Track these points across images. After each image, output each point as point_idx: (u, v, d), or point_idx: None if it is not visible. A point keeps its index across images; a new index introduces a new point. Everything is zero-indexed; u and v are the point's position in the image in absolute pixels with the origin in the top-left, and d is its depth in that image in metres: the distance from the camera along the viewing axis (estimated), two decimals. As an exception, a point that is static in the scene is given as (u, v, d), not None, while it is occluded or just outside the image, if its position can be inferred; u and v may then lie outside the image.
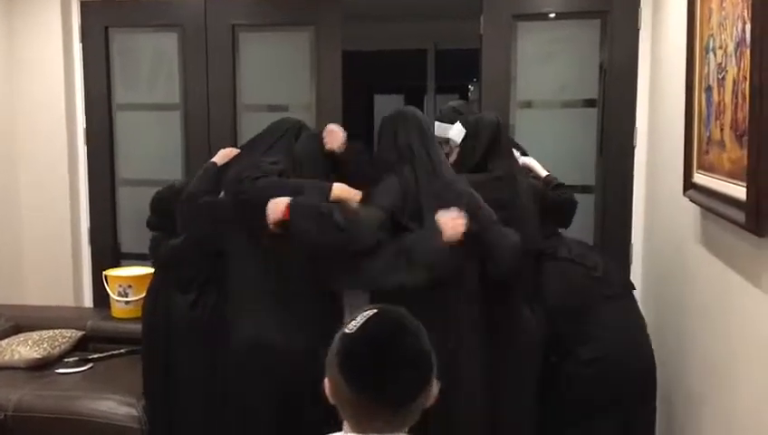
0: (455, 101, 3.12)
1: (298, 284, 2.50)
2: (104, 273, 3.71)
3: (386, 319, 1.26)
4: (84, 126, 4.04)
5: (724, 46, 1.87)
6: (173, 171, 4.01)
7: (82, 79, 4.01)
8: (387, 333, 1.23)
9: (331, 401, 1.25)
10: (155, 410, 2.88)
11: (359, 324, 1.24)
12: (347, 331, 1.23)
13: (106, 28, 4.00)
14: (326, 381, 1.25)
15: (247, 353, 2.47)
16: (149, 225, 3.04)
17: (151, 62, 4.08)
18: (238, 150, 2.90)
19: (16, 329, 3.56)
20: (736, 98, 1.74)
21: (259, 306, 2.51)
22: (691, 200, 2.22)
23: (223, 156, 2.87)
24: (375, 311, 1.27)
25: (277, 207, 2.37)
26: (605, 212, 3.59)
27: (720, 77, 1.90)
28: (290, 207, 2.36)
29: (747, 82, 1.62)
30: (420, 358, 1.24)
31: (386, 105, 7.69)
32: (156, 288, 2.89)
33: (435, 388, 1.26)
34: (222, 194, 2.70)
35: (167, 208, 2.89)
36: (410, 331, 1.25)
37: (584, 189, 3.61)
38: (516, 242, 2.36)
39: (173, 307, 2.75)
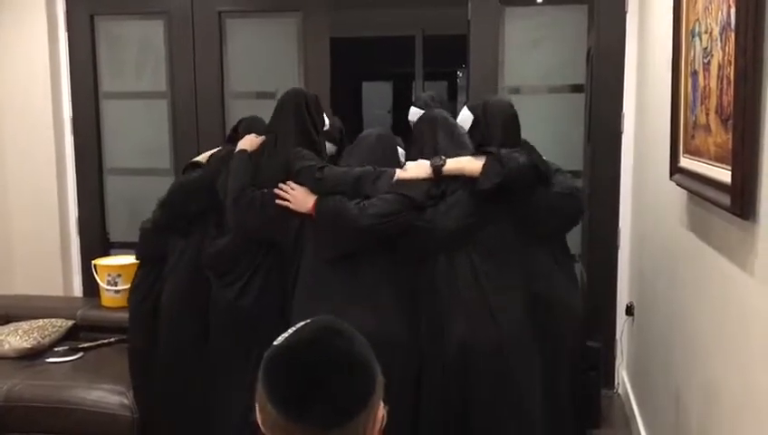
0: (431, 91, 3.17)
1: (376, 271, 2.44)
2: (93, 262, 3.70)
3: (314, 323, 1.08)
4: (71, 115, 4.02)
5: (709, 30, 1.88)
6: (161, 160, 3.99)
7: (68, 68, 3.99)
8: (311, 336, 1.06)
9: (264, 431, 1.04)
10: (160, 398, 2.84)
11: (286, 335, 1.07)
12: (274, 343, 1.06)
13: (91, 16, 3.97)
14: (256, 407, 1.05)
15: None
16: (163, 223, 2.83)
17: (138, 50, 4.06)
18: (263, 137, 2.72)
19: (5, 319, 3.55)
20: (721, 82, 1.75)
21: (344, 299, 2.34)
22: (677, 184, 2.23)
23: (250, 143, 2.71)
24: (308, 320, 1.10)
25: (306, 203, 2.44)
26: (593, 197, 3.61)
27: (705, 61, 1.91)
28: (316, 206, 2.42)
29: (732, 67, 1.63)
30: (355, 365, 1.03)
31: (374, 92, 7.68)
32: (151, 282, 2.85)
33: (380, 411, 1.05)
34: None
35: (186, 203, 2.78)
36: (341, 333, 1.06)
37: (572, 174, 3.62)
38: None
39: (215, 300, 2.66)
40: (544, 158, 2.75)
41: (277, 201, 2.48)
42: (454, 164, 2.43)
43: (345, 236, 2.41)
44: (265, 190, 2.53)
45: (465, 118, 2.75)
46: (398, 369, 2.24)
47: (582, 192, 2.68)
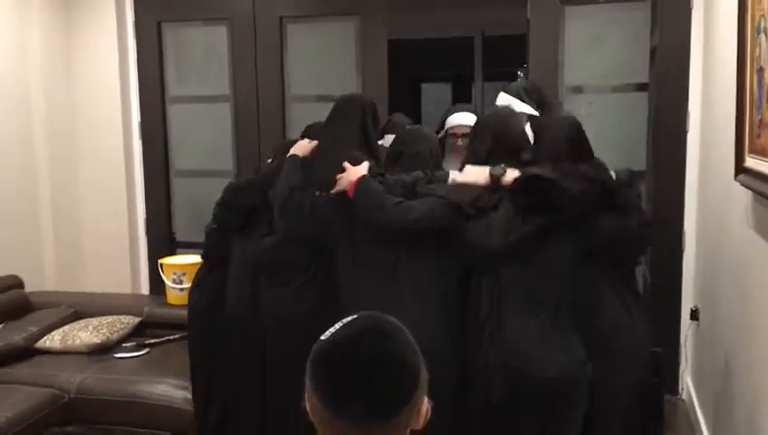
0: (520, 82, 3.01)
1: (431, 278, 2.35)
2: (159, 261, 3.82)
3: (361, 319, 1.11)
4: (139, 119, 4.16)
5: (775, 26, 1.82)
6: (224, 162, 4.10)
7: (137, 73, 4.13)
8: (357, 332, 1.08)
9: (311, 418, 1.08)
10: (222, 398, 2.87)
11: (333, 330, 1.10)
12: (321, 337, 1.10)
13: (159, 23, 4.11)
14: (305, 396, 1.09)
15: None
16: (219, 220, 2.90)
17: (202, 55, 4.18)
18: (316, 142, 2.72)
19: (76, 316, 3.69)
20: (788, 79, 1.70)
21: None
22: (742, 185, 2.17)
23: (303, 148, 2.70)
24: (355, 316, 1.12)
25: (350, 177, 2.39)
26: (657, 198, 3.52)
27: (772, 58, 1.86)
28: (357, 185, 2.36)
29: (799, 63, 1.58)
30: (398, 362, 1.06)
31: (433, 93, 7.66)
32: (212, 281, 2.90)
33: (424, 406, 1.09)
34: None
35: (240, 204, 2.82)
36: (386, 330, 1.09)
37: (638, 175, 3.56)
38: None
39: (268, 302, 2.68)
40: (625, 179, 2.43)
41: (333, 191, 2.45)
42: (515, 175, 2.25)
43: (380, 228, 2.34)
44: (316, 193, 2.52)
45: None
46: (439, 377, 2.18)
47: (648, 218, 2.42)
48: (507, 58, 5.69)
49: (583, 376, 2.18)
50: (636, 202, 2.38)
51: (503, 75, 5.87)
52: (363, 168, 2.42)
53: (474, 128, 2.55)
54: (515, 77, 6.84)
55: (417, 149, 2.50)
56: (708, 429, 2.96)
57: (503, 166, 2.29)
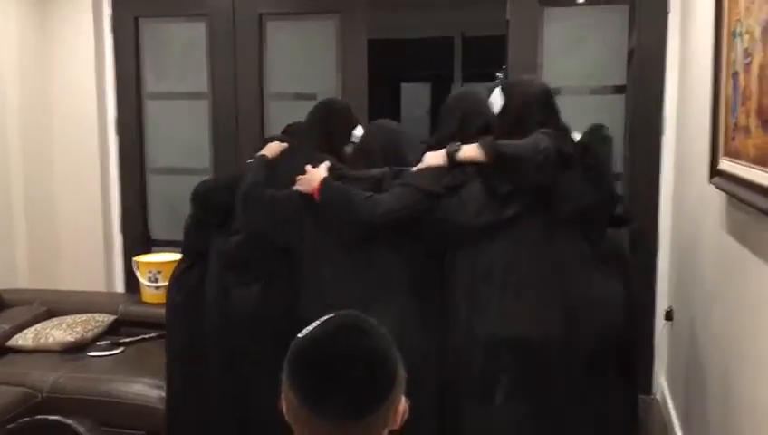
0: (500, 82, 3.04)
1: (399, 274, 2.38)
2: (134, 259, 3.79)
3: (339, 317, 1.11)
4: (115, 115, 4.11)
5: (750, 31, 1.84)
6: (201, 160, 4.07)
7: (113, 68, 4.09)
8: (335, 330, 1.09)
9: (287, 418, 1.08)
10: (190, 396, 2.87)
11: (311, 327, 1.10)
12: (299, 335, 1.10)
13: (136, 18, 4.07)
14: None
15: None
16: (196, 219, 2.89)
17: (180, 51, 4.14)
18: (286, 144, 2.76)
19: (49, 313, 3.64)
20: (762, 83, 1.71)
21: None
22: (717, 187, 2.19)
23: (272, 150, 2.73)
24: (333, 314, 1.13)
25: (312, 181, 2.40)
26: (633, 199, 3.56)
27: (746, 62, 1.88)
28: (321, 188, 2.38)
29: (773, 67, 1.60)
30: (375, 360, 1.06)
31: (412, 93, 7.66)
32: (191, 276, 2.88)
33: (402, 405, 1.09)
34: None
35: (214, 202, 2.81)
36: (364, 330, 1.09)
37: (612, 177, 3.58)
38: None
39: (235, 301, 2.66)
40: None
41: (294, 187, 2.47)
42: (469, 152, 2.31)
43: (351, 227, 2.36)
44: (276, 190, 2.53)
45: (495, 100, 2.54)
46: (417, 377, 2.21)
47: (615, 179, 2.42)
48: (487, 59, 5.71)
49: (562, 337, 2.26)
50: (607, 165, 2.44)
51: (482, 76, 5.90)
52: (323, 168, 2.43)
53: (440, 111, 2.62)
54: (494, 78, 6.87)
55: (380, 144, 2.55)
56: (682, 429, 2.99)
57: (457, 143, 2.35)
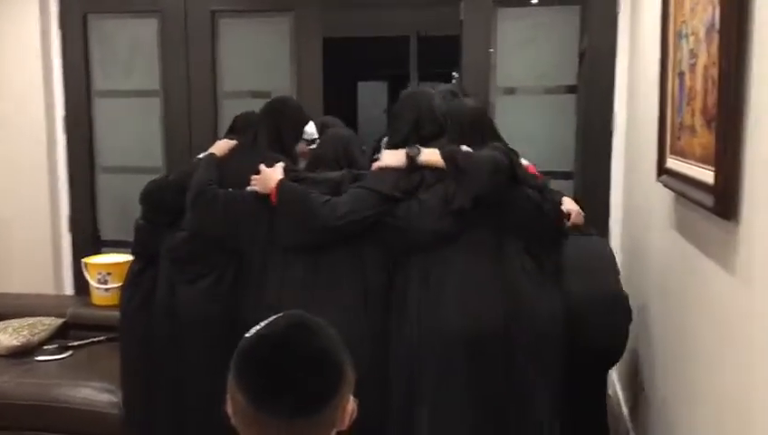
0: (448, 85, 3.08)
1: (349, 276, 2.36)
2: (83, 260, 3.69)
3: (286, 317, 1.12)
4: (63, 113, 4.02)
5: (695, 32, 1.88)
6: (153, 159, 3.99)
7: (61, 66, 3.99)
8: (282, 329, 1.09)
9: (233, 421, 1.08)
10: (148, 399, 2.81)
11: (259, 327, 1.10)
12: (246, 334, 1.10)
13: (85, 15, 3.97)
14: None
15: None
16: (146, 219, 2.82)
17: (131, 48, 4.06)
18: (235, 142, 2.74)
19: (-4, 317, 3.54)
20: (706, 84, 1.75)
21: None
22: (664, 185, 2.24)
23: (221, 148, 2.70)
24: (281, 314, 1.13)
25: (268, 182, 2.38)
26: (584, 198, 3.60)
27: (691, 63, 1.92)
28: (278, 190, 2.35)
29: (716, 68, 1.63)
30: (323, 359, 1.07)
31: (369, 92, 7.66)
32: (145, 279, 2.82)
33: (350, 404, 1.10)
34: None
35: (164, 202, 2.74)
36: (311, 328, 1.10)
37: (564, 175, 3.64)
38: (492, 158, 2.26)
39: (182, 299, 2.61)
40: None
41: (248, 188, 2.44)
42: (429, 156, 2.31)
43: (310, 231, 2.34)
44: (230, 190, 2.49)
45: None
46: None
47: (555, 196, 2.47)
48: (443, 59, 5.74)
49: (505, 342, 2.26)
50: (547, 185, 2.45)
51: (438, 76, 5.92)
52: (278, 169, 2.41)
53: (392, 110, 2.64)
54: (451, 77, 6.91)
55: (332, 151, 2.56)
56: (632, 425, 3.05)
57: (417, 146, 2.35)
